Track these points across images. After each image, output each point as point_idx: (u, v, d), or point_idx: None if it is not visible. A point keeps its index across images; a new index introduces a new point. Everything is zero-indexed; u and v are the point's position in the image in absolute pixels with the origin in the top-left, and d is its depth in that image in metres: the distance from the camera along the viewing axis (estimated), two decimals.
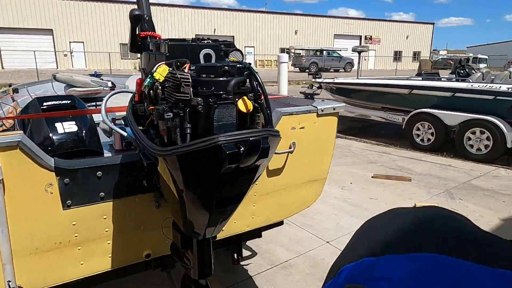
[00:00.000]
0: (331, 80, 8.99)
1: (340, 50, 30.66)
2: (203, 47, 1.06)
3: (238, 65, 0.95)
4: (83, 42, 29.20)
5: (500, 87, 5.94)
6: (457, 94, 6.39)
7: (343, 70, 29.88)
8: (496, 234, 0.52)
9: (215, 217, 1.11)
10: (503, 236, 0.48)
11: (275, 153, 1.52)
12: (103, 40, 29.56)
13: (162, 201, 1.49)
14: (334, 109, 1.84)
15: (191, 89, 0.90)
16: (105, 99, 1.49)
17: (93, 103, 3.75)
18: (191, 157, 0.89)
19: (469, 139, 6.12)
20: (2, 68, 26.45)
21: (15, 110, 2.91)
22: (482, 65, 11.12)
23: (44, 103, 1.90)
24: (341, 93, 8.61)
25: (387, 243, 0.68)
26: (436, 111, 6.55)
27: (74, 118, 1.90)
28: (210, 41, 1.10)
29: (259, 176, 1.09)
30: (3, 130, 2.41)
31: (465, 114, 6.13)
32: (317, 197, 2.09)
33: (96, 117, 2.14)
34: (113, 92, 1.54)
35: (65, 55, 28.54)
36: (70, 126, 1.87)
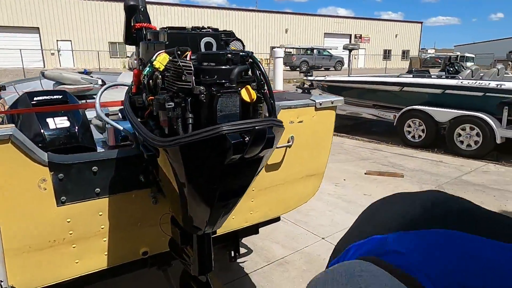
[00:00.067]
0: (322, 78, 9.01)
1: (331, 49, 30.82)
2: (204, 35, 1.03)
3: (241, 54, 0.93)
4: (71, 41, 28.72)
5: (489, 83, 6.03)
6: (447, 91, 6.46)
7: (333, 69, 30.05)
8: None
9: (217, 210, 1.08)
10: None
11: None
12: (91, 38, 29.12)
13: (159, 196, 1.45)
14: (332, 102, 1.83)
15: (193, 77, 0.87)
16: (99, 92, 1.45)
17: (84, 101, 3.67)
18: (194, 147, 0.86)
19: (459, 135, 6.20)
20: None
21: (3, 107, 2.83)
22: (469, 64, 11.29)
23: (35, 98, 1.84)
24: (333, 91, 8.64)
25: (396, 222, 0.67)
26: (427, 108, 6.62)
27: (66, 113, 1.84)
28: (210, 30, 1.07)
29: (262, 168, 1.07)
30: None
31: (455, 111, 6.21)
32: (315, 192, 2.07)
33: (89, 114, 2.09)
34: (108, 85, 1.50)
35: (52, 54, 28.04)
36: (62, 122, 1.81)
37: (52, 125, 1.78)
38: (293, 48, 30.17)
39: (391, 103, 7.52)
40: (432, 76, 8.10)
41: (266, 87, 0.97)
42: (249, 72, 0.97)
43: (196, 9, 33.81)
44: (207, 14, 33.04)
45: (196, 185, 0.98)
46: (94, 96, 1.43)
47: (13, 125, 1.15)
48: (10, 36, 26.16)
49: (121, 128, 1.39)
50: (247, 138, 0.85)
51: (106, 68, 25.10)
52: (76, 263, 1.41)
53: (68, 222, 1.33)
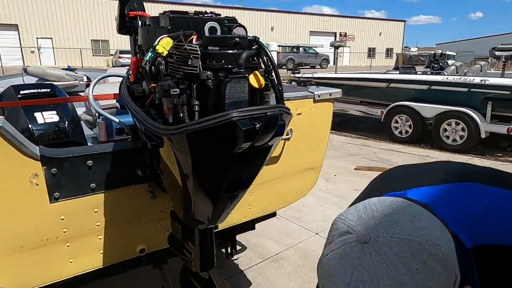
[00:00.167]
0: (310, 75, 9.03)
1: (316, 47, 31.02)
2: (207, 20, 0.98)
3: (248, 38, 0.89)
4: (51, 38, 27.95)
5: (473, 79, 6.16)
6: (433, 87, 6.57)
7: (319, 67, 30.25)
8: None
9: (223, 203, 1.04)
10: None
11: None
12: (73, 36, 28.42)
13: (157, 191, 1.40)
14: (330, 94, 1.81)
15: (200, 62, 0.83)
16: (92, 84, 1.38)
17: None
18: (202, 135, 0.82)
19: (445, 130, 6.32)
20: None
21: None
22: (450, 62, 11.58)
23: (21, 92, 1.76)
24: None
25: (414, 180, 0.66)
26: (413, 104, 6.71)
27: (55, 107, 1.76)
28: (213, 15, 1.03)
29: (269, 158, 1.03)
30: None
31: (441, 106, 6.32)
32: (313, 186, 2.06)
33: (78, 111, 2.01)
34: (102, 75, 1.43)
35: (32, 52, 27.23)
36: (51, 116, 1.73)
37: (40, 120, 1.70)
38: (279, 46, 30.20)
39: (378, 99, 7.60)
40: (418, 73, 8.22)
41: (273, 74, 0.93)
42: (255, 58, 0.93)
43: (181, 6, 33.43)
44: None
45: (202, 176, 0.94)
46: (80, 93, 1.36)
47: (2, 117, 1.08)
48: None
49: (117, 120, 1.33)
50: (258, 125, 0.82)
51: (89, 66, 24.55)
52: (71, 262, 1.35)
53: (62, 219, 1.27)
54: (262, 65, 0.94)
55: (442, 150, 6.28)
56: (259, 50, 0.92)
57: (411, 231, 0.51)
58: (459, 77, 6.46)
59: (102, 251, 1.41)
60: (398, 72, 8.43)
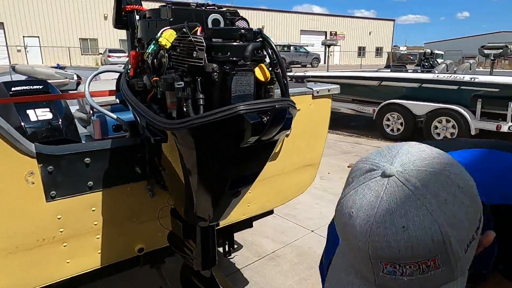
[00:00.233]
0: (302, 74, 9.04)
1: (307, 46, 31.12)
2: (210, 12, 0.96)
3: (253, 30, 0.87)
4: (38, 37, 27.44)
5: (463, 77, 6.24)
6: (424, 85, 6.64)
7: (310, 65, 30.35)
8: None
9: (227, 199, 1.02)
10: None
11: None
12: (61, 34, 27.94)
13: (157, 189, 1.37)
14: (329, 90, 1.80)
15: (205, 54, 0.81)
16: (88, 79, 1.34)
17: None
18: (209, 129, 0.79)
19: (436, 127, 6.39)
20: None
21: None
22: (440, 60, 11.73)
23: (13, 89, 1.71)
24: None
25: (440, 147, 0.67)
26: (404, 101, 6.78)
27: (48, 104, 1.72)
28: (216, 7, 1.01)
29: (272, 154, 1.02)
30: None
31: (432, 104, 6.39)
32: (311, 182, 2.05)
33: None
34: (98, 70, 1.39)
35: (19, 51, 26.71)
36: (44, 114, 1.69)
37: (33, 117, 1.66)
38: None
39: (370, 97, 7.65)
40: (409, 71, 8.30)
41: (279, 67, 0.91)
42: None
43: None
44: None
45: (207, 171, 0.92)
46: (70, 92, 1.33)
47: None
48: None
49: (115, 117, 1.30)
50: (265, 119, 0.80)
51: (78, 65, 24.19)
52: (68, 263, 1.31)
53: (59, 218, 1.23)
54: (266, 59, 0.93)
55: None
56: (264, 42, 0.91)
57: (438, 165, 0.50)
58: (449, 75, 6.54)
59: (100, 251, 1.37)
60: (389, 70, 8.49)
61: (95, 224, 1.33)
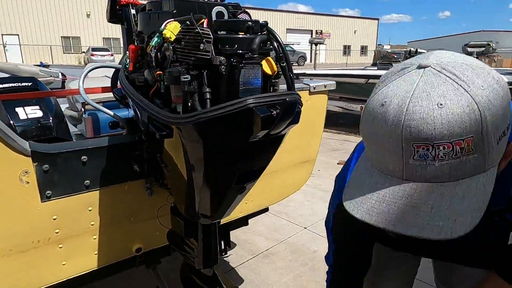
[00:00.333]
0: None
1: (293, 44, 31.25)
2: (212, 5, 0.94)
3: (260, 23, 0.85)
4: (18, 35, 26.64)
5: None
6: None
7: (296, 64, 30.49)
8: None
9: (232, 196, 1.00)
10: None
11: None
12: (42, 32, 27.19)
13: (155, 187, 1.34)
14: (325, 86, 1.80)
15: (212, 47, 0.79)
16: (82, 75, 1.30)
17: None
18: (217, 124, 0.78)
19: None
20: None
21: None
22: None
23: (0, 86, 1.64)
24: None
25: None
26: None
27: (38, 102, 1.66)
28: (218, 0, 0.99)
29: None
30: None
31: None
32: (307, 179, 2.05)
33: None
34: (93, 66, 1.35)
35: None
36: (34, 111, 1.63)
37: (22, 115, 1.60)
38: None
39: (358, 95, 7.72)
40: None
41: (284, 60, 0.90)
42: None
43: None
44: None
45: (214, 167, 0.90)
46: (80, 75, 1.29)
47: None
48: None
49: (112, 114, 1.26)
50: (274, 112, 0.79)
51: (60, 64, 23.60)
52: (63, 265, 1.27)
53: (54, 219, 1.19)
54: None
55: None
56: (269, 35, 0.89)
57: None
58: None
59: (96, 252, 1.34)
60: (376, 68, 8.60)
61: (92, 224, 1.29)
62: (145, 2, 1.25)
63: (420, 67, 0.49)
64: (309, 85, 1.74)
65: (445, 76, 0.48)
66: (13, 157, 1.04)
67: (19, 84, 1.71)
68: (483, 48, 6.83)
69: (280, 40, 0.90)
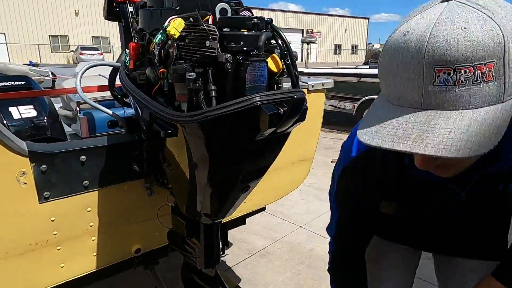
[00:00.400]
0: None
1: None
2: (215, 2, 0.93)
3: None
4: (4, 34, 26.10)
5: None
6: None
7: None
8: None
9: (236, 194, 1.00)
10: None
11: None
12: (29, 31, 26.69)
13: (155, 187, 1.32)
14: (323, 85, 1.80)
15: (218, 44, 0.78)
16: (79, 74, 1.27)
17: None
18: (224, 121, 0.77)
19: None
20: None
21: None
22: None
23: None
24: None
25: None
26: None
27: (31, 101, 1.63)
28: None
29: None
30: None
31: None
32: (305, 177, 2.05)
33: None
34: (90, 64, 1.32)
35: None
36: (27, 111, 1.60)
37: (16, 115, 1.57)
38: None
39: (350, 93, 7.77)
40: None
41: (289, 58, 0.89)
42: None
43: None
44: None
45: (219, 165, 0.88)
46: (77, 74, 1.26)
47: None
48: None
49: (111, 112, 1.24)
50: (281, 110, 0.78)
51: (48, 63, 23.20)
52: (62, 267, 1.24)
53: (52, 221, 1.16)
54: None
55: None
56: (273, 33, 0.88)
57: None
58: None
59: (95, 253, 1.31)
60: (368, 67, 8.66)
61: (91, 226, 1.27)
62: None
63: (443, 1, 0.50)
64: (307, 83, 1.74)
65: (469, 6, 0.49)
66: (10, 157, 1.02)
67: (12, 83, 1.67)
68: None
69: (284, 37, 0.89)
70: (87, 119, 1.78)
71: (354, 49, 43.38)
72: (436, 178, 0.76)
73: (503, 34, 0.47)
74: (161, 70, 0.87)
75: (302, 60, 10.21)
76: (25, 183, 1.06)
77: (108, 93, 1.66)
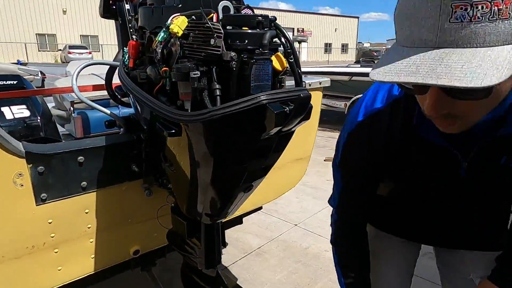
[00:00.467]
0: None
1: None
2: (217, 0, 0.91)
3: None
4: None
5: None
6: None
7: None
8: None
9: (239, 194, 0.99)
10: None
11: None
12: (15, 29, 26.13)
13: (153, 187, 1.31)
14: (320, 83, 1.80)
15: (223, 42, 0.77)
16: (75, 73, 1.25)
17: None
18: (230, 121, 0.76)
19: None
20: None
21: None
22: None
23: None
24: None
25: None
26: None
27: (24, 101, 1.59)
28: None
29: None
30: None
31: None
32: (302, 176, 2.05)
33: None
34: (87, 62, 1.30)
35: None
36: (20, 111, 1.56)
37: (8, 115, 1.53)
38: None
39: (341, 92, 7.81)
40: None
41: (292, 56, 0.89)
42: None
43: None
44: None
45: (223, 165, 0.87)
46: (74, 73, 1.23)
47: None
48: None
49: (109, 112, 1.22)
50: (287, 109, 0.78)
51: (35, 62, 22.76)
52: (59, 270, 1.22)
53: (50, 223, 1.14)
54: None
55: None
56: (277, 31, 0.88)
57: None
58: None
59: (93, 256, 1.29)
60: (359, 65, 8.72)
61: (89, 227, 1.24)
62: None
63: None
64: (304, 81, 1.73)
65: None
66: (6, 158, 0.99)
67: (4, 82, 1.63)
68: None
69: (287, 35, 0.89)
70: (81, 118, 1.75)
71: (344, 48, 43.66)
72: (440, 141, 0.77)
73: None
74: (164, 68, 0.86)
75: (298, 57, 10.21)
76: (22, 185, 1.04)
77: (101, 92, 1.64)
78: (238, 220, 2.11)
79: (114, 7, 1.29)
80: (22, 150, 1.01)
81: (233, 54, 0.77)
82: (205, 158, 0.87)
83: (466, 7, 0.49)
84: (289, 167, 1.92)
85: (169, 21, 0.83)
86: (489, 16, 0.49)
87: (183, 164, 0.99)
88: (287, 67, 0.85)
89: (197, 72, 0.78)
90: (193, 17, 0.86)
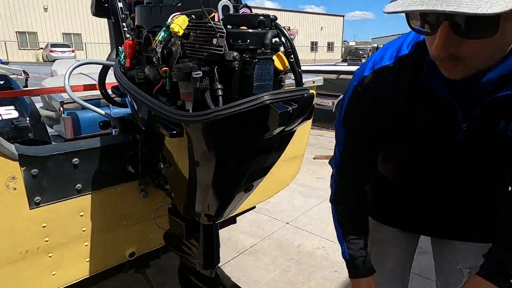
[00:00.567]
0: None
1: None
2: None
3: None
4: None
5: None
6: None
7: None
8: None
9: (240, 194, 0.98)
10: None
11: None
12: None
13: (149, 189, 1.29)
14: (313, 82, 1.81)
15: (225, 41, 0.76)
16: (67, 72, 1.21)
17: None
18: (233, 121, 0.75)
19: None
20: None
21: None
22: None
23: None
24: None
25: None
26: None
27: (12, 101, 1.55)
28: None
29: None
30: None
31: None
32: (296, 174, 2.06)
33: None
34: (81, 61, 1.26)
35: None
36: (8, 112, 1.52)
37: None
38: None
39: (329, 90, 7.87)
40: None
41: (293, 56, 0.89)
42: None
43: None
44: None
45: (225, 165, 0.87)
46: (66, 72, 1.20)
47: None
48: None
49: (103, 112, 1.19)
50: (290, 109, 0.78)
51: (15, 61, 22.13)
52: (53, 275, 1.19)
53: (44, 227, 1.11)
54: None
55: None
56: (277, 30, 0.87)
57: None
58: None
59: (88, 259, 1.27)
60: (346, 64, 8.81)
61: (84, 230, 1.22)
62: None
63: None
64: None
65: None
66: None
67: None
68: None
69: (287, 35, 0.88)
70: (71, 119, 1.71)
71: (330, 46, 44.00)
72: (444, 92, 0.77)
73: None
74: (164, 68, 0.84)
75: None
76: (15, 188, 1.01)
77: (91, 92, 1.60)
78: (232, 220, 2.11)
79: (106, 5, 1.26)
80: (15, 153, 0.98)
81: (235, 54, 0.76)
82: (206, 158, 0.87)
83: None
84: (284, 165, 1.92)
85: (169, 20, 0.82)
86: None
87: (182, 165, 0.98)
88: (288, 67, 0.85)
89: (199, 72, 0.77)
90: (193, 16, 0.85)
